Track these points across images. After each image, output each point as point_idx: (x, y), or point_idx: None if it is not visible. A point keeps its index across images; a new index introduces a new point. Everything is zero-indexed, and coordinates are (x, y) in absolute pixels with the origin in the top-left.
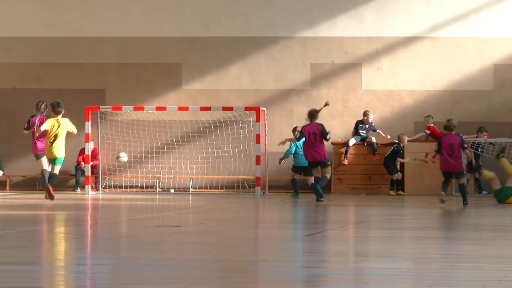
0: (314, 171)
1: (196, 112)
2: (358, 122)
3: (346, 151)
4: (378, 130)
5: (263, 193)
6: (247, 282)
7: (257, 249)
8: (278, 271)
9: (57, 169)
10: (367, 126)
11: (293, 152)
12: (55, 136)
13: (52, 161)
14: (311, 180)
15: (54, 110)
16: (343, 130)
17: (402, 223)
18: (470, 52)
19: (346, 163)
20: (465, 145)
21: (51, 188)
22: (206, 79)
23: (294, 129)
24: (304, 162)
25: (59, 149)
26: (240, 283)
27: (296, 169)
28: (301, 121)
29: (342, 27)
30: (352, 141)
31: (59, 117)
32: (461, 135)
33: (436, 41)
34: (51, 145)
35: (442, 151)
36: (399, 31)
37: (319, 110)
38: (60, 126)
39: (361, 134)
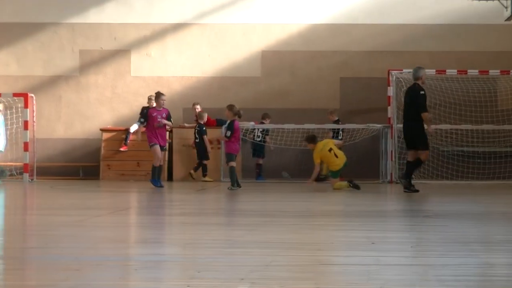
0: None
1: None
2: (143, 108)
3: (127, 137)
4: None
5: (31, 180)
6: (15, 269)
7: (25, 236)
8: (46, 258)
9: None
10: None
11: None
12: None
13: None
14: None
15: None
16: (112, 116)
17: (170, 209)
18: (238, 38)
19: (126, 150)
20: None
21: None
22: None
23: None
24: None
25: None
26: (8, 270)
27: None
28: (70, 107)
29: (111, 13)
30: (134, 127)
31: None
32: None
33: (204, 28)
34: None
35: (234, 135)
36: (168, 18)
37: None
38: None
39: None
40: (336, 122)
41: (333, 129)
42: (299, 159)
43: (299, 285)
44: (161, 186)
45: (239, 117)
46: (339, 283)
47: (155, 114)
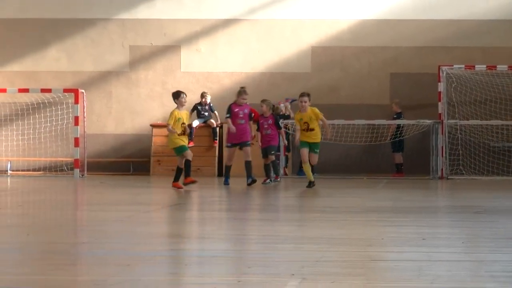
0: None
1: (14, 94)
2: (196, 105)
3: (191, 133)
4: (215, 112)
5: (82, 175)
6: (67, 264)
7: (76, 231)
8: (97, 253)
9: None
10: (206, 107)
11: None
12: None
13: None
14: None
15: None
16: (162, 112)
17: (220, 204)
18: (287, 34)
19: (192, 145)
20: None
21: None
22: (24, 61)
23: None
24: None
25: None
26: (60, 265)
27: None
28: (120, 103)
29: (161, 9)
30: (196, 123)
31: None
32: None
33: (254, 24)
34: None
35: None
36: (218, 13)
37: None
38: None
39: (203, 115)
40: (399, 114)
41: (398, 124)
42: (349, 155)
43: (350, 281)
44: (227, 184)
45: (274, 111)
46: (390, 279)
47: (236, 109)
